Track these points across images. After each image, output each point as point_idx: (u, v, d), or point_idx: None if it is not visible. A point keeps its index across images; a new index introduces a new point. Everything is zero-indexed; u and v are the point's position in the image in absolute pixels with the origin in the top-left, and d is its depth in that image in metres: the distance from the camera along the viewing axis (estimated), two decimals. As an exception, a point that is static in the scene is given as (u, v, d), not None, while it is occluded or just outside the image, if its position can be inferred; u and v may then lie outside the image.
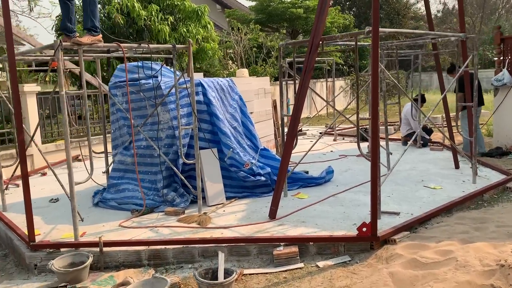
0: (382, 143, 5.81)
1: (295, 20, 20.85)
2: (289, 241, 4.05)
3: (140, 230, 4.58)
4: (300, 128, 11.43)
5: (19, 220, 4.94)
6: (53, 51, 4.11)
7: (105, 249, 4.08)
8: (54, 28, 12.35)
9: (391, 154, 6.18)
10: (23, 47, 14.55)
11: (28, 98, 8.85)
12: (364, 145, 7.93)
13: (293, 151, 4.91)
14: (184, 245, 4.09)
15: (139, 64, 5.40)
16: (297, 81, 5.19)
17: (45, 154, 8.97)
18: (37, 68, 6.21)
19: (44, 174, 7.92)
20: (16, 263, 4.47)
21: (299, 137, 8.55)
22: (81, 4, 4.42)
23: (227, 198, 5.46)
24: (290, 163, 5.05)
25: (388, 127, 6.78)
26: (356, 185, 5.95)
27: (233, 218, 4.83)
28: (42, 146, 9.02)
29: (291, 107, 6.43)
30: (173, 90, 5.08)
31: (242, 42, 16.23)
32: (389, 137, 6.70)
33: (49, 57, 5.25)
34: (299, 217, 4.76)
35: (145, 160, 5.60)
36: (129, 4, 10.80)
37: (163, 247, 4.09)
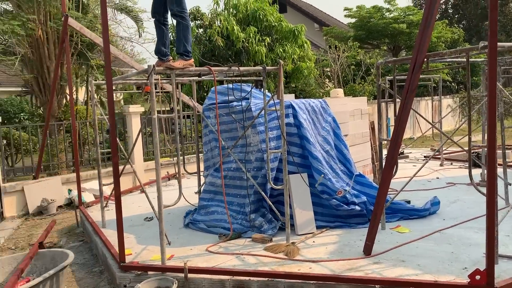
0: (499, 170, 5.03)
1: (397, 35, 19.88)
2: (386, 283, 3.57)
3: (227, 256, 4.44)
4: (402, 151, 10.62)
5: (114, 238, 5.09)
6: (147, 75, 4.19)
7: (190, 275, 3.99)
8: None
9: (510, 185, 5.33)
10: (133, 70, 15.74)
11: (133, 118, 9.42)
12: (476, 172, 7.02)
13: (393, 177, 4.42)
14: (269, 278, 3.83)
15: (231, 86, 5.36)
16: (397, 101, 4.71)
17: (146, 171, 9.50)
18: (137, 91, 6.50)
19: (143, 191, 8.28)
20: (109, 281, 4.59)
21: (400, 161, 7.89)
22: (175, 29, 4.47)
23: (318, 227, 5.10)
24: (389, 191, 4.56)
25: (506, 151, 5.89)
26: (466, 220, 5.20)
27: (323, 250, 4.47)
28: (144, 163, 9.52)
29: (391, 128, 5.90)
30: (262, 112, 4.93)
31: (340, 60, 15.81)
32: (508, 164, 5.81)
33: (146, 81, 5.44)
34: (398, 255, 4.24)
35: (235, 183, 5.50)
36: (229, 27, 11.10)
37: (247, 278, 3.88)
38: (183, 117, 8.18)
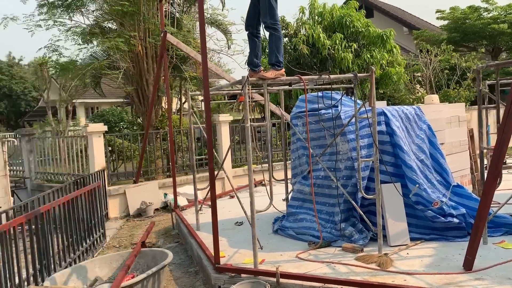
0: None
1: (497, 36, 18.44)
2: (491, 302, 3.34)
3: (317, 264, 4.44)
4: (505, 161, 9.79)
5: (208, 240, 5.36)
6: (241, 85, 4.38)
7: (281, 280, 4.06)
8: (246, 62, 13.62)
9: None
10: (222, 80, 16.38)
11: (222, 127, 9.81)
12: None
13: (496, 189, 4.12)
14: (362, 288, 3.78)
15: (320, 94, 5.38)
16: (501, 108, 4.40)
17: (234, 178, 9.83)
18: (229, 100, 6.78)
19: (232, 196, 8.57)
20: (204, 281, 4.83)
21: (504, 171, 7.28)
22: (267, 40, 4.62)
23: (412, 239, 4.90)
24: (492, 203, 4.25)
25: None
26: None
27: (418, 263, 4.29)
28: (232, 170, 9.84)
29: (492, 137, 5.50)
30: (353, 120, 4.88)
31: (432, 64, 15.04)
32: None
33: (238, 91, 5.67)
34: (504, 271, 3.93)
35: (323, 191, 5.50)
36: (314, 34, 11.13)
37: (339, 286, 3.86)
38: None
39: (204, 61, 4.33)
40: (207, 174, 8.94)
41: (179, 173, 9.83)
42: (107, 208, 8.28)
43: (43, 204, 5.14)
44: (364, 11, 12.70)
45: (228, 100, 9.93)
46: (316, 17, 12.20)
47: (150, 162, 9.60)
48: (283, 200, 6.63)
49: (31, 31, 9.48)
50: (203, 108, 16.83)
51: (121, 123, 12.24)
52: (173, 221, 7.45)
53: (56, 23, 9.41)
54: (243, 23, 11.41)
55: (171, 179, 8.87)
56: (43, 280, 4.60)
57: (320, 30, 11.29)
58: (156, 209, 8.90)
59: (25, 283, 4.38)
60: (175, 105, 14.97)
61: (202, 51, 4.31)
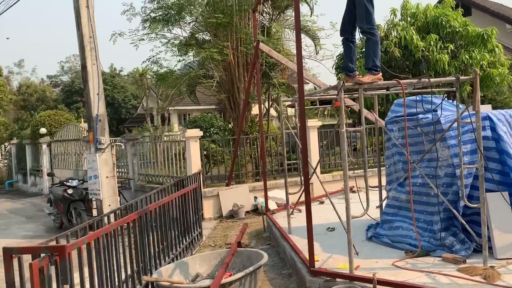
0: None
1: None
2: None
3: (415, 273, 4.32)
4: None
5: (300, 244, 5.45)
6: (335, 91, 4.42)
7: (378, 287, 4.01)
8: (334, 67, 13.52)
9: None
10: (307, 85, 16.45)
11: (311, 132, 9.87)
12: None
13: None
14: (466, 301, 3.61)
15: (418, 98, 5.23)
16: None
17: (322, 184, 9.81)
18: (320, 105, 6.82)
19: (322, 202, 8.58)
20: (298, 284, 4.92)
21: None
22: (364, 45, 4.62)
23: (522, 252, 4.55)
24: None
25: None
26: None
27: (530, 279, 3.98)
28: (321, 176, 9.84)
29: None
30: (454, 125, 4.67)
31: (541, 63, 13.71)
32: None
33: (330, 96, 5.71)
34: None
35: (421, 199, 5.31)
36: (407, 36, 10.77)
37: (440, 298, 3.73)
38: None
39: (300, 68, 4.44)
40: (295, 179, 9.08)
41: (268, 177, 10.04)
42: (202, 209, 8.75)
43: (148, 204, 5.57)
44: (461, 9, 11.99)
45: (314, 106, 9.97)
46: (409, 18, 11.79)
47: (241, 166, 9.95)
48: (377, 207, 6.51)
49: (135, 45, 10.38)
50: (289, 114, 17.01)
51: (211, 129, 12.84)
52: (264, 224, 7.65)
53: (157, 36, 10.19)
54: (332, 28, 11.47)
55: (260, 183, 9.13)
56: (145, 275, 4.98)
57: (413, 31, 10.88)
58: (247, 212, 9.19)
59: (130, 279, 4.74)
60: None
61: (297, 58, 4.44)
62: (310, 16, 11.87)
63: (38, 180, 15.91)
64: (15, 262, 2.95)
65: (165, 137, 14.90)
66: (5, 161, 20.68)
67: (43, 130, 15.27)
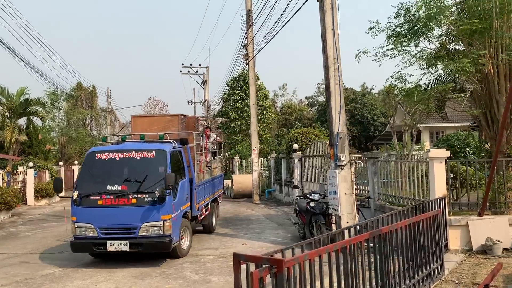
0: None
1: None
2: None
3: None
4: None
5: None
6: None
7: None
8: None
9: None
10: None
11: None
12: None
13: None
14: None
15: None
16: None
17: None
18: None
19: None
20: None
21: None
22: None
23: None
24: None
25: None
26: None
27: None
28: None
29: None
30: None
31: None
32: None
33: None
34: None
35: None
36: None
37: None
38: None
39: None
40: None
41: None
42: (446, 239, 7.81)
43: (384, 225, 5.31)
44: None
45: None
46: None
47: (499, 194, 8.45)
48: None
49: (379, 61, 10.22)
50: None
51: (466, 149, 11.41)
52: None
53: (400, 52, 9.79)
54: None
55: (525, 216, 7.53)
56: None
57: None
58: (505, 249, 7.71)
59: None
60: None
61: None
62: None
63: (290, 190, 17.58)
64: (243, 268, 3.23)
65: (414, 156, 14.14)
66: (266, 172, 23.69)
67: (295, 146, 16.81)
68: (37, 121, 28.55)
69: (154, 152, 8.62)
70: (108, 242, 8.03)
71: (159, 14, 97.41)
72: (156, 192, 7.96)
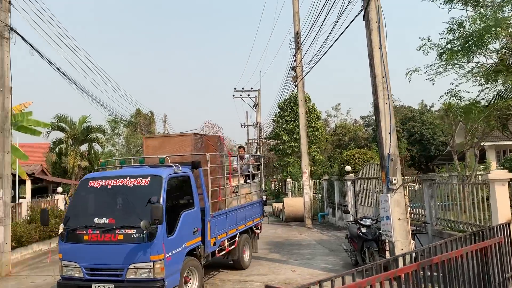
0: None
1: None
2: None
3: None
4: None
5: None
6: None
7: None
8: None
9: None
10: None
11: None
12: None
13: None
14: None
15: None
16: None
17: None
18: None
19: None
20: None
21: None
22: None
23: None
24: None
25: None
26: None
27: None
28: None
29: None
30: None
31: None
32: None
33: None
34: None
35: None
36: None
37: None
38: None
39: None
40: None
41: None
42: (511, 270, 7.10)
43: (437, 254, 4.91)
44: None
45: None
46: None
47: None
48: None
49: (431, 80, 9.76)
50: None
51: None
52: None
53: (454, 67, 9.30)
54: None
55: None
56: None
57: None
58: None
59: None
60: None
61: None
62: None
63: (343, 214, 17.02)
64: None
65: (479, 177, 13.14)
66: (319, 195, 23.18)
67: (348, 168, 16.33)
68: (97, 147, 30.18)
69: (148, 179, 7.22)
70: (93, 285, 6.75)
71: (215, 43, 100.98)
72: (141, 226, 6.51)
